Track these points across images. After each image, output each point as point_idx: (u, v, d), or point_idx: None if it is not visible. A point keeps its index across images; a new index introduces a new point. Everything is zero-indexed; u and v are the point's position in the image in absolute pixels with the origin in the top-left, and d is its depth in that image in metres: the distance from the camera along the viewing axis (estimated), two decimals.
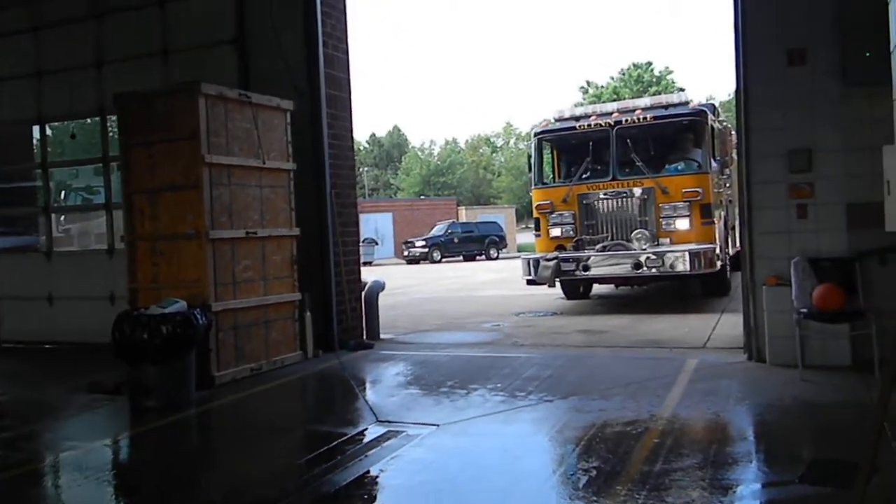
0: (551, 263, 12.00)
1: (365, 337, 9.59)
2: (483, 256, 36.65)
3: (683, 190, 11.69)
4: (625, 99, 35.23)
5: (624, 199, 12.05)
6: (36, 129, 11.26)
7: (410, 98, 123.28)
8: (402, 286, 19.08)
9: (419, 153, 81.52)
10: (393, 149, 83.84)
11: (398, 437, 5.42)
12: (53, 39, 10.57)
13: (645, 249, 11.63)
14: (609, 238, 12.02)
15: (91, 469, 5.29)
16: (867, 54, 6.22)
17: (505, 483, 4.54)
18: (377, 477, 4.79)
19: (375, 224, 41.41)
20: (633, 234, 11.82)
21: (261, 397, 7.16)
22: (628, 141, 12.22)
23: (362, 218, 27.50)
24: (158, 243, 7.61)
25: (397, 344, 9.69)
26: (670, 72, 63.07)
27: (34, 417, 6.78)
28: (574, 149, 13.15)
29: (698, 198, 11.63)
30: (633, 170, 12.18)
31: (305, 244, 8.63)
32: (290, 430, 6.22)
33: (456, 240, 37.07)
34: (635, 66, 63.11)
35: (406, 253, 36.67)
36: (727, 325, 9.48)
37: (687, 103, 12.50)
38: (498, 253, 37.05)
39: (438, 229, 38.15)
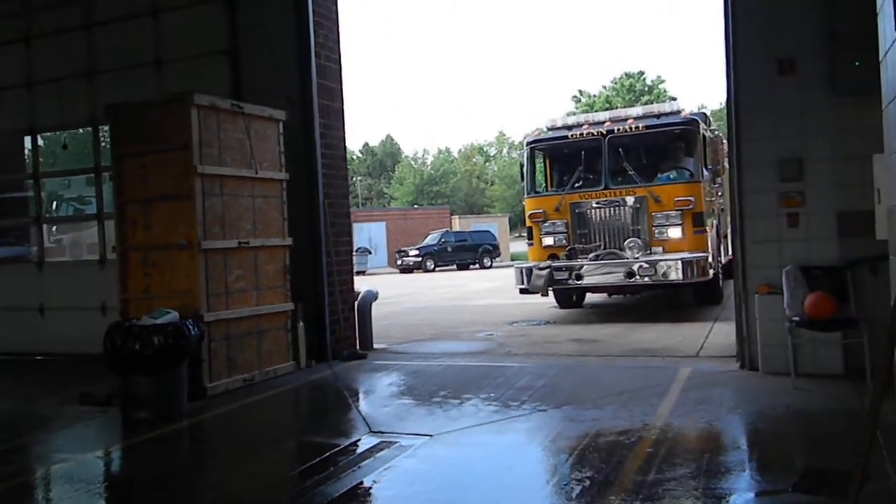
0: (544, 272, 12.01)
1: (358, 347, 9.57)
2: (477, 265, 36.62)
3: (676, 199, 11.71)
4: (617, 108, 35.54)
5: (616, 208, 12.07)
6: (28, 140, 11.24)
7: (403, 107, 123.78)
8: (396, 295, 19.06)
9: (412, 162, 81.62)
10: (386, 158, 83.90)
11: (391, 447, 5.41)
12: (46, 49, 10.56)
13: (637, 258, 11.66)
14: (602, 247, 12.03)
15: (82, 481, 5.25)
16: (857, 64, 6.25)
17: (498, 493, 4.54)
18: (370, 488, 4.77)
19: (369, 233, 41.36)
20: (625, 243, 11.84)
21: (253, 408, 7.13)
22: (620, 150, 12.23)
23: (355, 227, 27.52)
24: (150, 254, 7.59)
25: (390, 354, 9.68)
26: (662, 81, 63.60)
27: (25, 429, 6.73)
28: (566, 158, 13.15)
29: (690, 206, 11.65)
30: (625, 179, 12.19)
31: (298, 254, 8.62)
32: (282, 441, 6.19)
33: (449, 249, 37.04)
34: (627, 75, 63.52)
35: (399, 262, 36.63)
36: (720, 333, 9.51)
37: (679, 112, 12.52)
38: (491, 262, 37.03)
39: (432, 238, 38.10)
